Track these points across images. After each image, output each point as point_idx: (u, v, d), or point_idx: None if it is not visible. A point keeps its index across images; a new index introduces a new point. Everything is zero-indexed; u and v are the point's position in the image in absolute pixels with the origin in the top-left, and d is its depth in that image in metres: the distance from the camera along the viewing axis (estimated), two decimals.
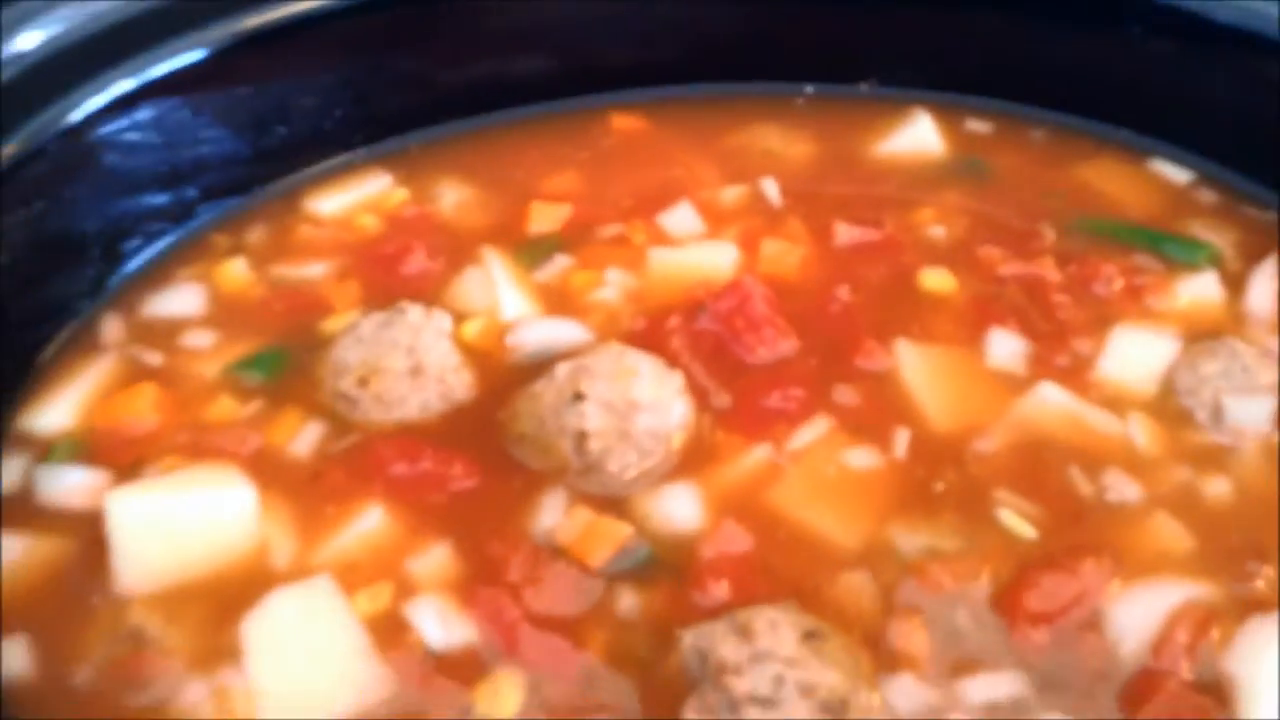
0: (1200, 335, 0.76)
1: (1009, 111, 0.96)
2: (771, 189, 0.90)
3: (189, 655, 0.60)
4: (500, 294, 0.81)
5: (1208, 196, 0.88)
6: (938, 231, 0.86)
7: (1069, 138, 0.94)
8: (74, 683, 0.59)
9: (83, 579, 0.64)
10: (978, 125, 0.96)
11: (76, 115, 0.75)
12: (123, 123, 0.78)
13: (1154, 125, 0.92)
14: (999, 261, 0.82)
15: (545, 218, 0.88)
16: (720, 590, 0.63)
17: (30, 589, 0.64)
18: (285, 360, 0.76)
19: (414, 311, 0.76)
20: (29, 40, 0.74)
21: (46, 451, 0.70)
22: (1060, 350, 0.76)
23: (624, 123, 0.96)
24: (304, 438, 0.72)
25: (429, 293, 0.81)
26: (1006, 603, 0.62)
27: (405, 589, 0.64)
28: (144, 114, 0.79)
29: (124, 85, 0.77)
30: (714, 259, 0.83)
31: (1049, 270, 0.81)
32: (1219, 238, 0.84)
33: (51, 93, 0.74)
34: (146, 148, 0.81)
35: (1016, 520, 0.66)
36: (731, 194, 0.90)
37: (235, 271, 0.83)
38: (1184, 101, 0.91)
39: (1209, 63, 0.88)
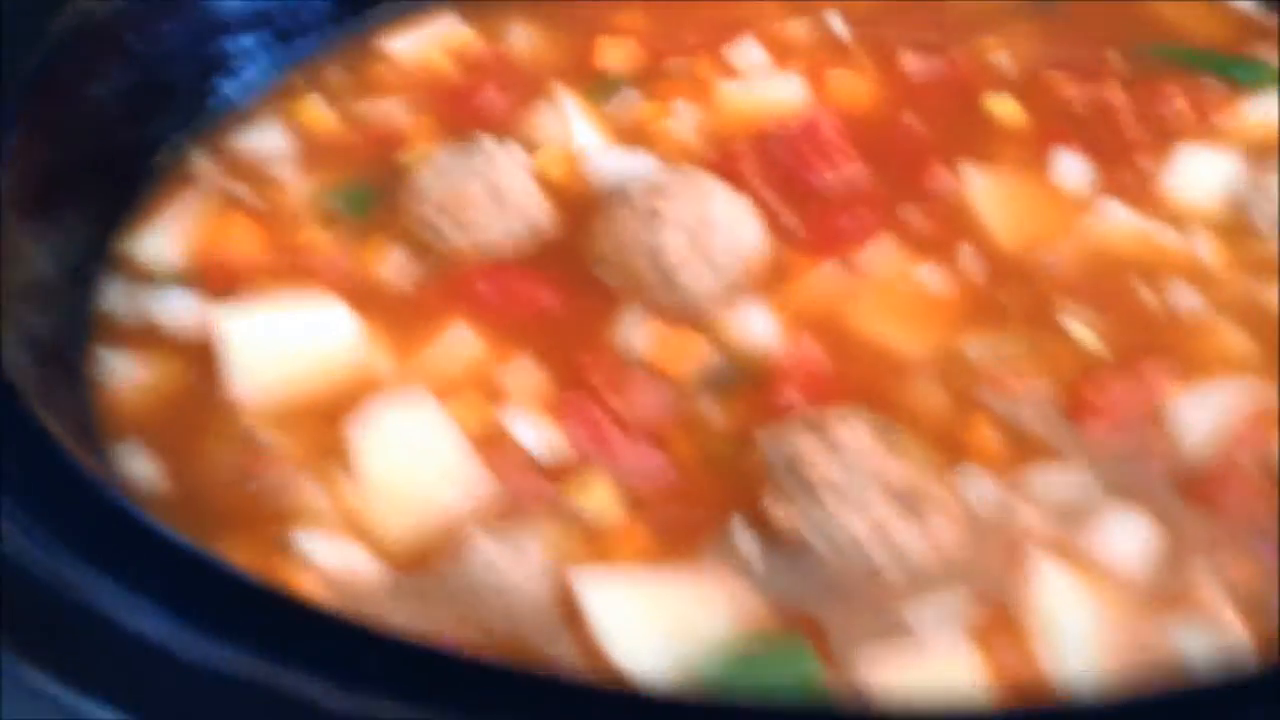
0: (1263, 153, 0.77)
1: None
2: (837, 22, 0.91)
3: (302, 457, 0.64)
4: (572, 126, 0.83)
5: (1271, 21, 0.88)
6: (1003, 59, 0.87)
7: None
8: (197, 484, 0.63)
9: (195, 392, 0.68)
10: None
11: None
12: None
13: None
14: (1064, 85, 0.83)
15: (612, 53, 0.89)
16: (797, 398, 0.66)
17: (147, 402, 0.68)
18: (369, 192, 0.79)
19: (489, 143, 0.78)
20: None
21: (151, 277, 0.73)
22: (1125, 169, 0.77)
23: None
24: (391, 262, 0.75)
25: (502, 126, 0.83)
26: (1072, 401, 0.65)
27: (497, 398, 0.67)
28: None
29: None
30: (781, 90, 0.85)
31: (1114, 93, 0.82)
32: None
33: None
34: None
35: (1083, 329, 0.69)
36: (796, 28, 0.91)
37: (315, 109, 0.85)
38: None
39: None
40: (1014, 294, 0.71)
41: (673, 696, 0.49)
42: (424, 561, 0.60)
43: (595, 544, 0.61)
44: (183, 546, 0.51)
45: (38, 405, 0.55)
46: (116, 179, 0.76)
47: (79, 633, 0.44)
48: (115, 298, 0.72)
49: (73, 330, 0.69)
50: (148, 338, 0.70)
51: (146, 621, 0.45)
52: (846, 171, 0.78)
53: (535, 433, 0.66)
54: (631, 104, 0.85)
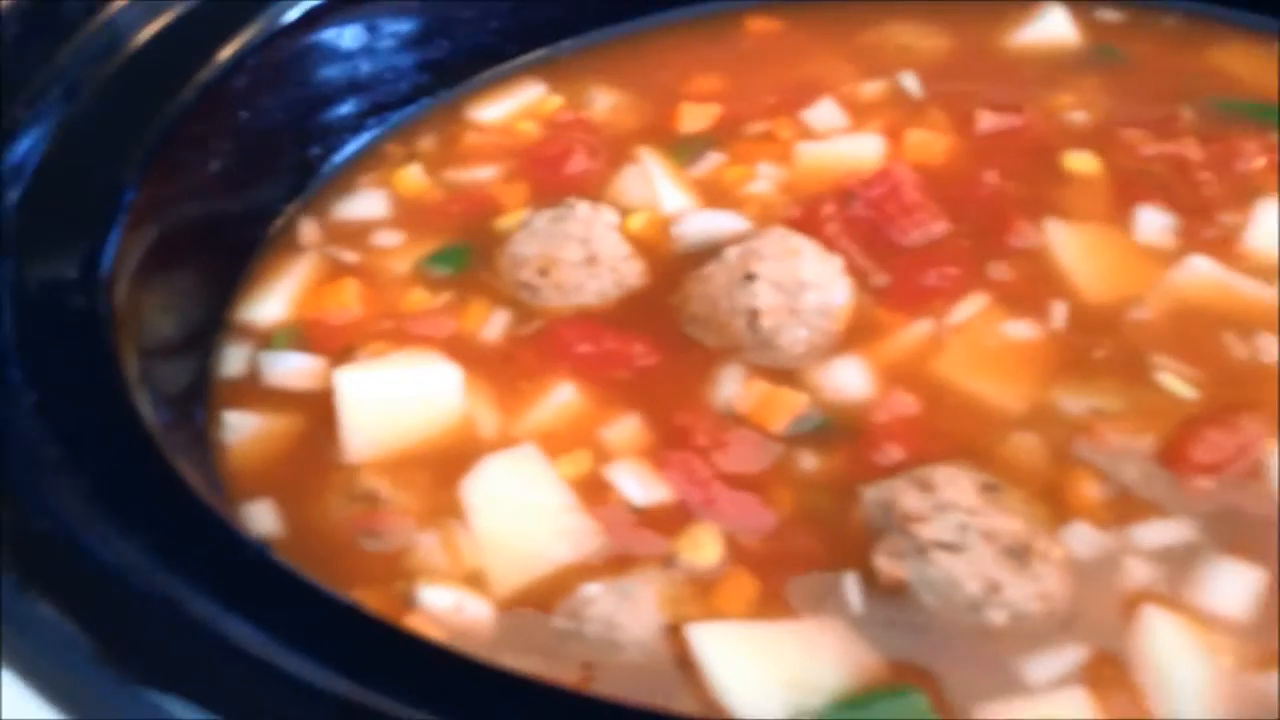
0: None
1: (1139, 1, 0.98)
2: (911, 82, 0.93)
3: (418, 512, 0.67)
4: (659, 189, 0.86)
5: None
6: (1077, 116, 0.89)
7: (1200, 23, 0.96)
8: (319, 540, 0.66)
9: (313, 450, 0.70)
10: (1109, 14, 0.98)
11: (269, 31, 0.80)
12: (308, 39, 0.84)
13: None
14: (1140, 142, 0.85)
15: (695, 117, 0.92)
16: (895, 451, 0.68)
17: (267, 460, 0.70)
18: (468, 255, 0.82)
19: (583, 206, 0.81)
20: None
21: (266, 340, 0.76)
22: (1207, 224, 0.79)
23: (760, 25, 1.00)
24: (493, 324, 0.77)
25: (591, 190, 0.86)
26: (1172, 455, 0.66)
27: (602, 455, 0.69)
28: (327, 31, 0.85)
29: (311, 2, 0.82)
30: (860, 150, 0.87)
31: (1191, 149, 0.83)
32: None
33: (251, 9, 0.79)
34: (329, 62, 0.86)
35: (1176, 381, 0.70)
36: (871, 89, 0.93)
37: (412, 177, 0.88)
38: None
39: None
40: (1105, 347, 0.73)
41: None
42: (538, 614, 0.62)
43: (704, 596, 0.63)
44: (320, 590, 0.52)
45: (172, 459, 0.57)
46: (229, 247, 0.79)
47: (218, 669, 0.46)
48: (233, 361, 0.75)
49: (195, 393, 0.72)
50: (265, 399, 0.73)
51: (287, 661, 0.46)
52: (930, 228, 0.80)
53: (640, 487, 0.68)
54: (715, 166, 0.88)
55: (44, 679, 0.44)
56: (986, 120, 0.89)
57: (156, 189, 0.71)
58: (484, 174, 0.89)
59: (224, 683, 0.44)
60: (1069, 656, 0.59)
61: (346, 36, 0.89)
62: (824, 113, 0.91)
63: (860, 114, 0.91)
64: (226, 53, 0.78)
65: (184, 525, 0.49)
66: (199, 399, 0.72)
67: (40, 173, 0.64)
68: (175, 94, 0.74)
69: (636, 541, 0.65)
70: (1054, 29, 0.96)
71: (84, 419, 0.52)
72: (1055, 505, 0.65)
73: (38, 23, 0.73)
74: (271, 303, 0.78)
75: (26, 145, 0.66)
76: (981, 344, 0.74)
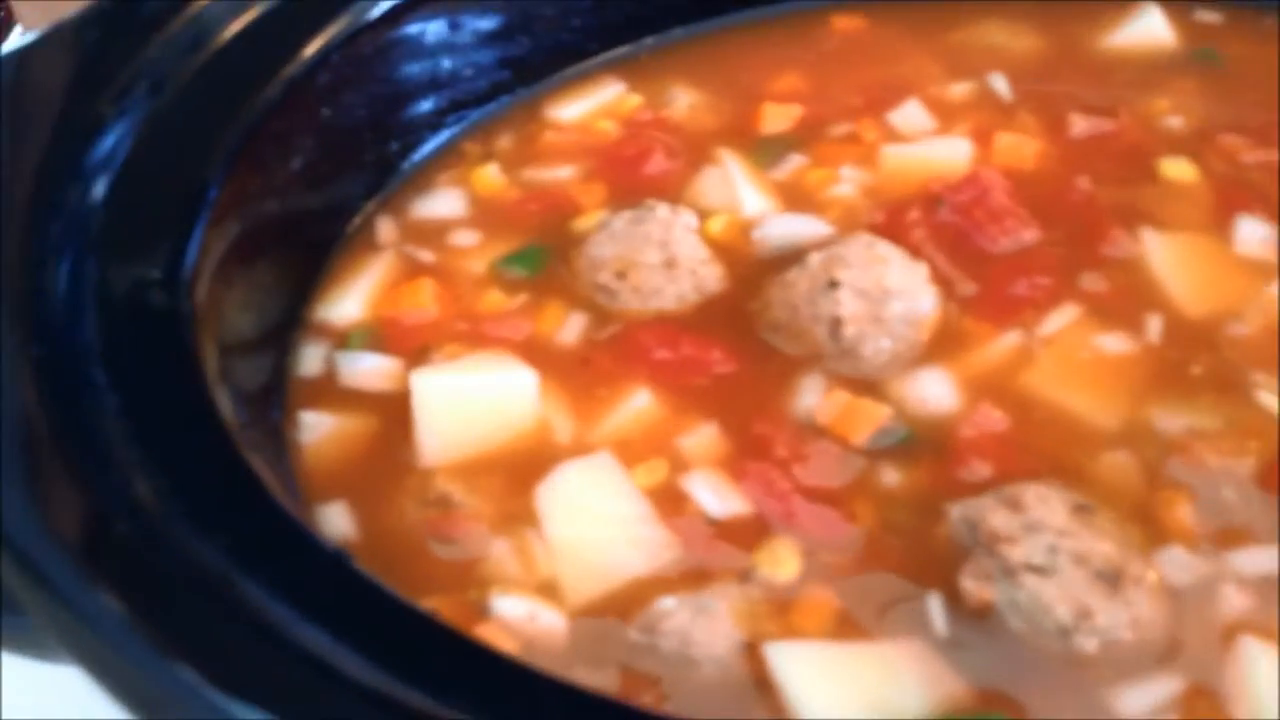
0: None
1: (1238, 2, 0.95)
2: (1000, 83, 0.91)
3: (491, 518, 0.66)
4: (740, 191, 0.84)
5: None
6: (1174, 121, 0.86)
7: None
8: (393, 544, 0.65)
9: (388, 452, 0.70)
10: (1207, 15, 0.95)
11: (354, 27, 0.80)
12: (391, 35, 0.83)
13: None
14: (1240, 149, 0.82)
15: (776, 118, 0.90)
16: (982, 468, 0.66)
17: (342, 461, 0.70)
18: (545, 256, 0.81)
19: (662, 208, 0.80)
20: None
21: (343, 340, 0.76)
22: None
23: (845, 23, 0.98)
24: (569, 327, 0.76)
25: (670, 192, 0.85)
26: (1271, 478, 0.63)
27: (678, 464, 0.68)
28: (410, 27, 0.84)
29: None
30: (948, 153, 0.85)
31: None
32: None
33: (335, 5, 0.79)
34: (411, 59, 0.86)
35: (1275, 400, 0.67)
36: (959, 90, 0.91)
37: (489, 176, 0.87)
38: None
39: None
40: (1202, 363, 0.70)
41: None
42: (612, 627, 0.61)
43: (782, 613, 0.61)
44: (397, 601, 0.51)
45: (251, 461, 0.56)
46: (308, 244, 0.79)
47: (292, 676, 0.45)
48: (310, 360, 0.75)
49: (272, 391, 0.71)
50: (341, 399, 0.73)
51: (360, 670, 0.45)
52: (1020, 236, 0.78)
53: (717, 498, 0.66)
54: (796, 168, 0.86)
55: (118, 679, 0.44)
56: (1079, 124, 0.86)
57: (239, 186, 0.71)
58: (562, 173, 0.88)
59: (296, 689, 0.43)
60: (1162, 688, 0.56)
61: (429, 32, 0.88)
62: (910, 114, 0.89)
63: (948, 116, 0.89)
64: (311, 49, 0.78)
65: (262, 530, 0.48)
66: (276, 397, 0.72)
67: (125, 169, 0.64)
68: (259, 90, 0.74)
69: (713, 555, 0.64)
70: (1150, 30, 0.93)
71: (165, 421, 0.52)
72: (1149, 528, 0.62)
73: (122, 19, 0.73)
74: (348, 302, 0.78)
75: (112, 141, 0.66)
76: (1073, 357, 0.71)
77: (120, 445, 0.50)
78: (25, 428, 0.50)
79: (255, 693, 0.41)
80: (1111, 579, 0.58)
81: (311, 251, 0.79)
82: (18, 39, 1.53)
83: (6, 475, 0.47)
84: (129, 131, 0.67)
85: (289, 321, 0.76)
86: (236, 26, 0.75)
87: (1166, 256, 0.76)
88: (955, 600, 0.60)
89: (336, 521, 0.66)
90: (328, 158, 0.81)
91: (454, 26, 0.90)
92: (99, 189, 0.64)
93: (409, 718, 0.43)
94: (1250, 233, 0.76)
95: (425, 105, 0.89)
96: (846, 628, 0.60)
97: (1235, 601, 0.59)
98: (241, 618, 0.43)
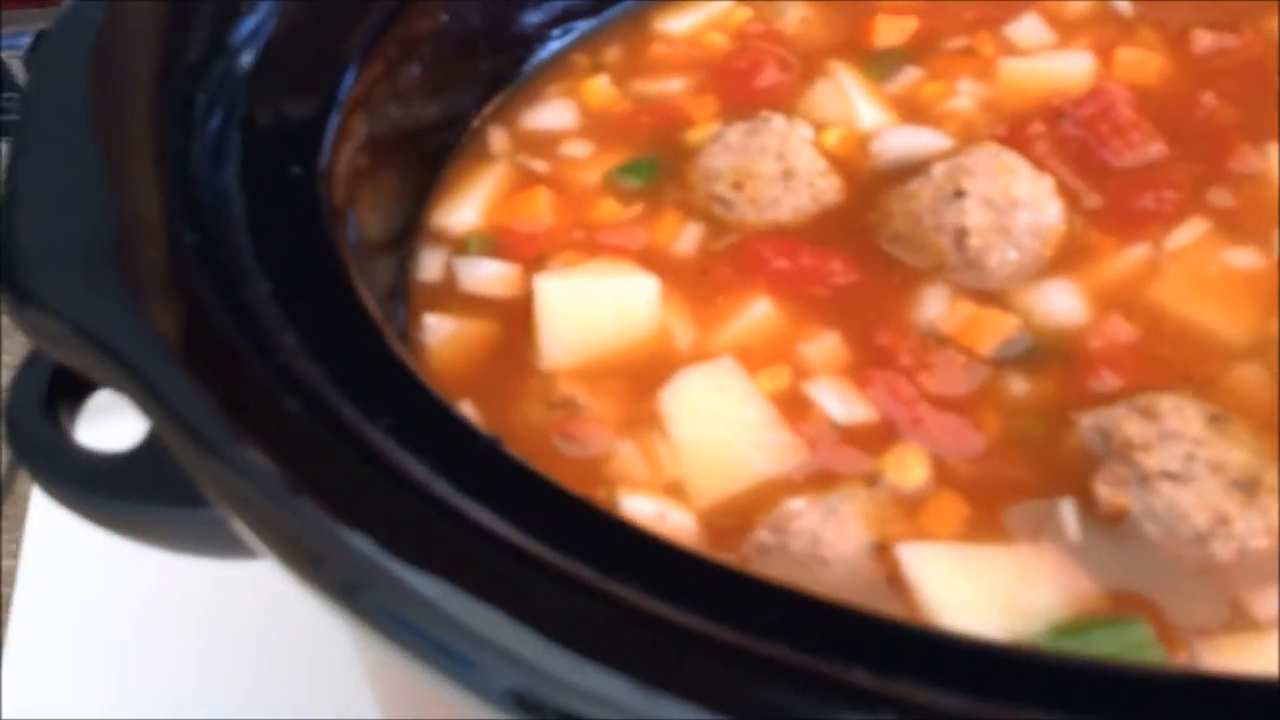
0: None
1: None
2: None
3: (616, 421, 0.66)
4: (855, 104, 0.83)
5: None
6: None
7: None
8: (518, 446, 0.66)
9: (511, 355, 0.70)
10: None
11: None
12: None
13: None
14: None
15: (890, 30, 0.89)
16: (1112, 378, 0.65)
17: (465, 363, 0.71)
18: (658, 167, 0.81)
19: (778, 120, 0.79)
20: None
21: (461, 246, 0.76)
22: None
23: None
24: (686, 237, 0.76)
25: (782, 105, 0.84)
26: None
27: (801, 372, 0.68)
28: None
29: None
30: (1068, 67, 0.84)
31: None
32: None
33: None
34: None
35: None
36: (1079, 5, 0.89)
37: (599, 88, 0.87)
38: None
39: None
40: None
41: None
42: (741, 527, 0.62)
43: (911, 516, 0.62)
44: (549, 482, 0.51)
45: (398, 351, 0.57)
46: (425, 153, 0.80)
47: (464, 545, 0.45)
48: (430, 265, 0.76)
49: (397, 294, 0.72)
50: (462, 303, 0.73)
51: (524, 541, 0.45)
52: (1146, 150, 0.77)
53: (842, 405, 0.66)
54: (912, 81, 0.85)
55: (290, 543, 0.45)
56: (1202, 40, 0.84)
57: (367, 87, 0.71)
58: (672, 86, 0.87)
59: (468, 558, 0.44)
60: None
61: None
62: (1028, 28, 0.87)
63: (1067, 30, 0.87)
64: None
65: (421, 414, 0.49)
66: (400, 300, 0.73)
67: (264, 56, 0.65)
68: None
69: (839, 458, 0.64)
70: None
71: (318, 311, 0.52)
72: None
73: None
74: (465, 209, 0.78)
75: (252, 24, 0.66)
76: (1201, 271, 0.70)
77: (278, 331, 0.50)
78: (189, 312, 0.51)
79: (428, 562, 0.42)
80: (1248, 487, 0.58)
81: (429, 159, 0.80)
82: None
83: (177, 359, 0.48)
84: (265, 22, 0.67)
85: (410, 227, 0.76)
86: None
87: None
88: (1088, 506, 0.60)
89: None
90: (445, 65, 0.81)
91: None
92: (246, 62, 0.64)
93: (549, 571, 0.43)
94: None
95: (535, 15, 0.89)
96: (977, 531, 0.60)
97: None
98: (411, 492, 0.44)
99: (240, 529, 0.45)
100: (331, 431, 0.46)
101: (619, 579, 0.42)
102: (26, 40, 1.92)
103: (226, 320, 0.51)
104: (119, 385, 0.49)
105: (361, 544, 0.42)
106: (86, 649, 0.91)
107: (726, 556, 0.61)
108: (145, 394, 0.48)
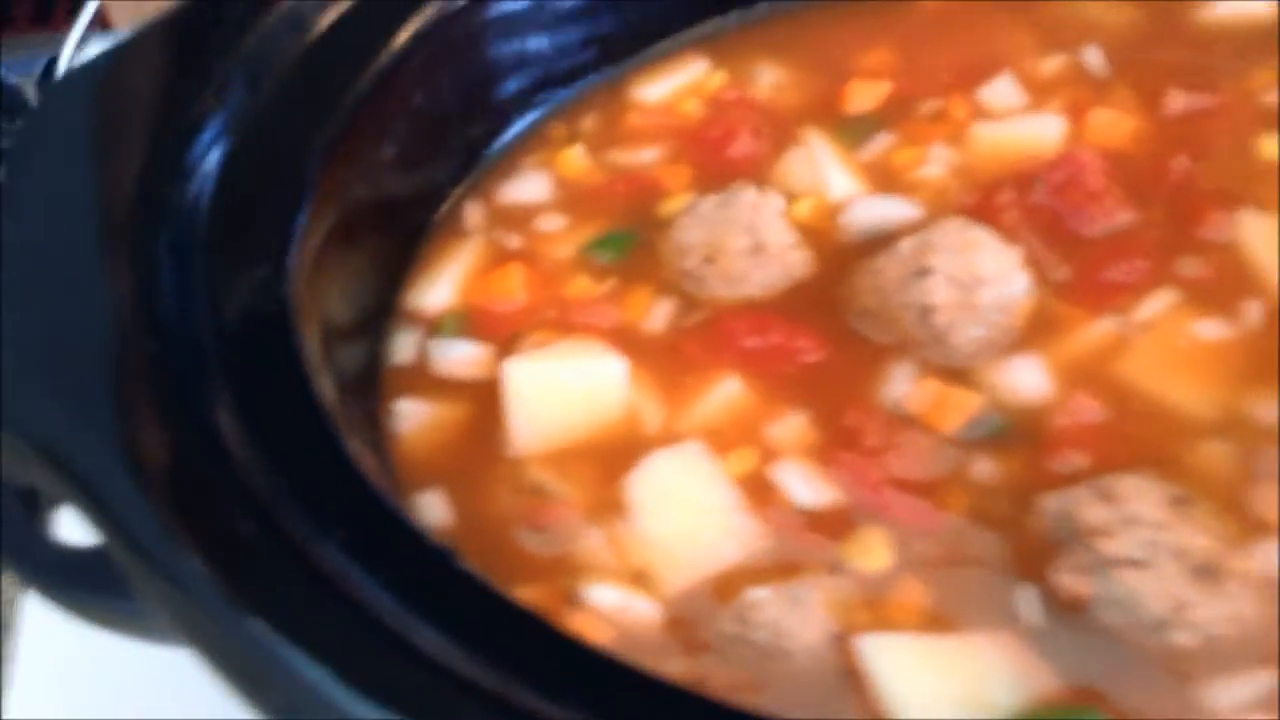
0: None
1: None
2: (1095, 57, 0.89)
3: (583, 506, 0.67)
4: (826, 173, 0.84)
5: None
6: (1275, 96, 0.84)
7: None
8: (487, 532, 0.66)
9: (482, 440, 0.71)
10: None
11: (445, 11, 0.81)
12: (479, 17, 0.84)
13: None
14: None
15: (863, 96, 0.89)
16: (1077, 458, 0.65)
17: (436, 448, 0.71)
18: (631, 241, 0.81)
19: (749, 192, 0.79)
20: None
21: (435, 326, 0.77)
22: None
23: None
24: (657, 314, 0.77)
25: (756, 173, 0.84)
26: None
27: (768, 453, 0.69)
28: (497, 9, 0.85)
29: None
30: (1041, 131, 0.84)
31: None
32: None
33: None
34: (498, 40, 0.86)
35: None
36: (1052, 64, 0.89)
37: (575, 158, 0.88)
38: None
39: None
40: None
41: None
42: (705, 616, 0.62)
43: (874, 604, 0.62)
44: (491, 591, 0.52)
45: (358, 458, 0.58)
46: (399, 231, 0.80)
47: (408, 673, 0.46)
48: (403, 347, 0.77)
49: (368, 379, 0.73)
50: (435, 387, 0.74)
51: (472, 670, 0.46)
52: (1116, 218, 0.77)
53: (808, 488, 0.67)
54: (885, 147, 0.85)
55: (249, 677, 0.45)
56: (1177, 100, 0.84)
57: (336, 177, 0.72)
58: (647, 156, 0.88)
59: (413, 688, 0.45)
60: (1259, 683, 0.56)
61: (515, 13, 0.88)
62: (1001, 90, 0.88)
63: (1040, 92, 0.87)
64: (402, 37, 0.79)
65: (372, 525, 0.50)
66: (372, 385, 0.73)
67: (226, 165, 0.66)
68: (354, 81, 0.75)
69: (804, 544, 0.64)
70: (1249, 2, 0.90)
71: (275, 420, 0.53)
72: (1248, 520, 0.61)
73: (216, 15, 0.74)
74: (439, 289, 0.79)
75: (211, 138, 0.68)
76: (1170, 344, 0.70)
77: (235, 443, 0.51)
78: (144, 424, 0.52)
79: (368, 691, 0.42)
80: (1210, 573, 0.58)
81: (403, 239, 0.81)
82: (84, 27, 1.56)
83: (129, 471, 0.49)
84: (228, 127, 0.68)
85: (383, 309, 0.77)
86: (329, 18, 0.76)
87: (1265, 239, 0.74)
88: (1049, 593, 0.60)
89: (433, 509, 0.68)
90: (419, 144, 0.82)
91: (539, 6, 0.90)
92: (202, 185, 0.65)
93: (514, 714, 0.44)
94: None
95: (511, 87, 0.90)
96: (938, 620, 0.61)
97: None
98: (357, 615, 0.45)
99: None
100: (282, 550, 0.47)
101: (568, 707, 0.43)
102: (38, 65, 1.94)
103: (182, 434, 0.52)
104: (69, 500, 0.50)
105: (300, 668, 0.43)
106: (87, 649, 0.90)
107: (692, 645, 0.61)
108: (93, 512, 0.49)
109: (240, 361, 0.57)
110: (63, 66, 1.67)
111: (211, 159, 0.67)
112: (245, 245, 0.63)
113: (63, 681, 0.88)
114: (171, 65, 0.73)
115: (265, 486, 0.51)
